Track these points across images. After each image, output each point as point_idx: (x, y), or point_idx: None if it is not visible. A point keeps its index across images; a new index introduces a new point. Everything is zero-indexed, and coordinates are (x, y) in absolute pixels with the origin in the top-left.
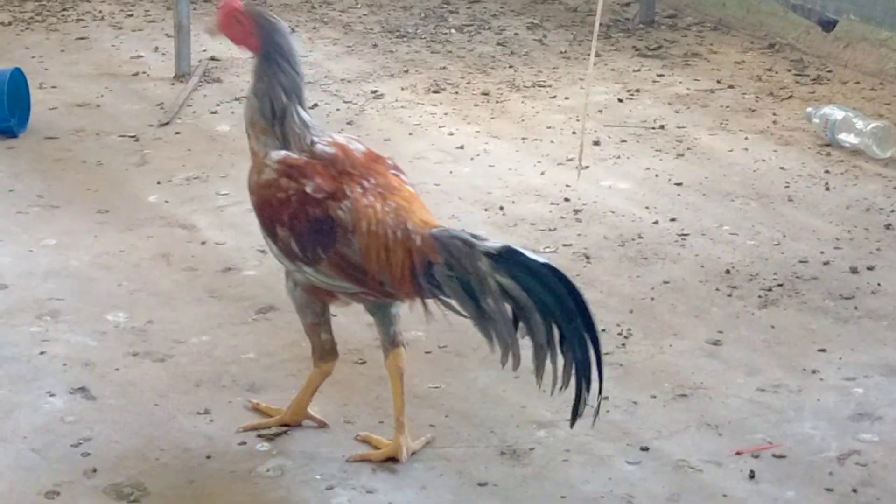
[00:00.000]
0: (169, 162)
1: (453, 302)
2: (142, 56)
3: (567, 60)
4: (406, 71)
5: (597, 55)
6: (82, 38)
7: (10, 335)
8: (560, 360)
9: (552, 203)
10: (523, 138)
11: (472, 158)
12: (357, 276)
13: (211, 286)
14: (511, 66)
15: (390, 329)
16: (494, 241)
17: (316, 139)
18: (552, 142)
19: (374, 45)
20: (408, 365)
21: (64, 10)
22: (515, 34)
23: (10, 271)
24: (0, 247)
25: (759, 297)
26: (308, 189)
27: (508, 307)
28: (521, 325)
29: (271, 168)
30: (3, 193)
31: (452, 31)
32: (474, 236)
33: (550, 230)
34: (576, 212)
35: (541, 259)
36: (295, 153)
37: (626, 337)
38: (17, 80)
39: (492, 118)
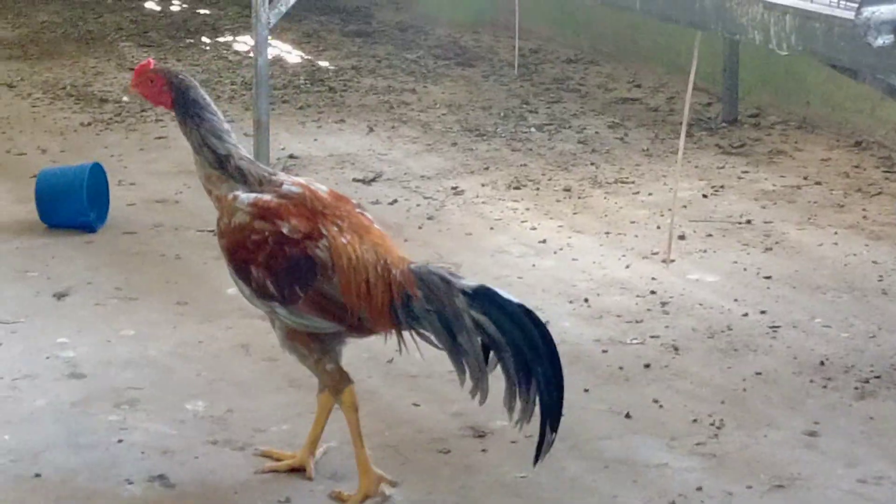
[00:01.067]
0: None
1: (430, 335)
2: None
3: (649, 158)
4: (486, 168)
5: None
6: (161, 138)
7: (88, 423)
8: (527, 397)
9: (638, 296)
10: (607, 233)
11: (555, 252)
12: (336, 313)
13: (291, 375)
14: (592, 164)
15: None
16: (471, 280)
17: (277, 178)
18: (636, 236)
19: (454, 144)
20: (490, 454)
21: (143, 110)
22: (596, 133)
23: (88, 361)
24: (78, 337)
25: (856, 388)
26: (284, 230)
27: (481, 343)
28: (492, 359)
29: (243, 211)
30: (81, 286)
31: (532, 129)
32: (451, 273)
33: (637, 322)
34: (663, 304)
35: (515, 300)
36: (262, 193)
37: (718, 427)
38: (97, 176)
39: (574, 213)
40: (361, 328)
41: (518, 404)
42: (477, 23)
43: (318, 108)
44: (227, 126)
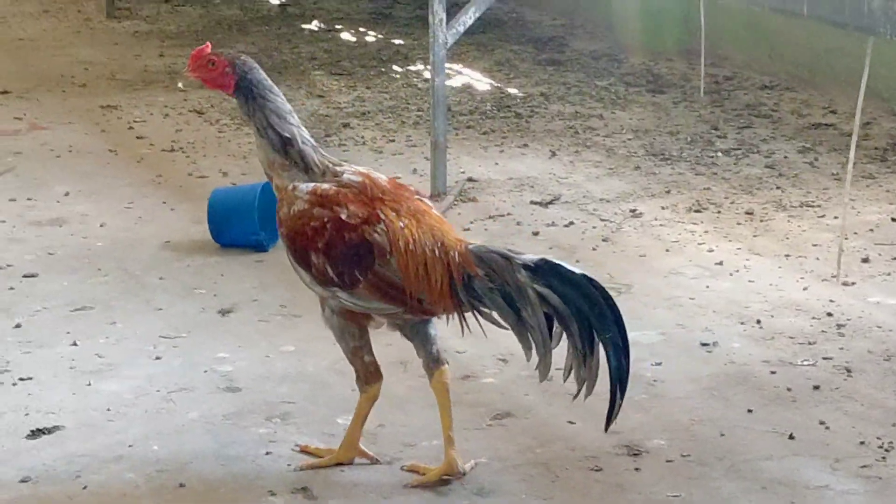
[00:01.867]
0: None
1: (493, 313)
2: (399, 177)
3: (838, 182)
4: (667, 191)
5: (871, 177)
6: (343, 161)
7: (238, 435)
8: (594, 366)
9: (813, 318)
10: (787, 255)
11: (731, 274)
12: (395, 296)
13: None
14: (778, 188)
15: (432, 348)
16: (531, 255)
17: (340, 168)
18: (817, 259)
19: (637, 168)
20: (643, 473)
21: (327, 135)
22: (785, 157)
23: (246, 375)
24: (239, 352)
25: None
26: (343, 216)
27: (545, 317)
28: (556, 333)
29: (302, 199)
30: (247, 303)
31: (719, 154)
32: (511, 250)
33: (810, 343)
34: (839, 326)
35: (577, 270)
36: (322, 181)
37: (886, 450)
38: (269, 195)
39: (755, 236)
40: (422, 309)
41: (583, 373)
42: (672, 51)
43: (502, 134)
44: (290, 107)
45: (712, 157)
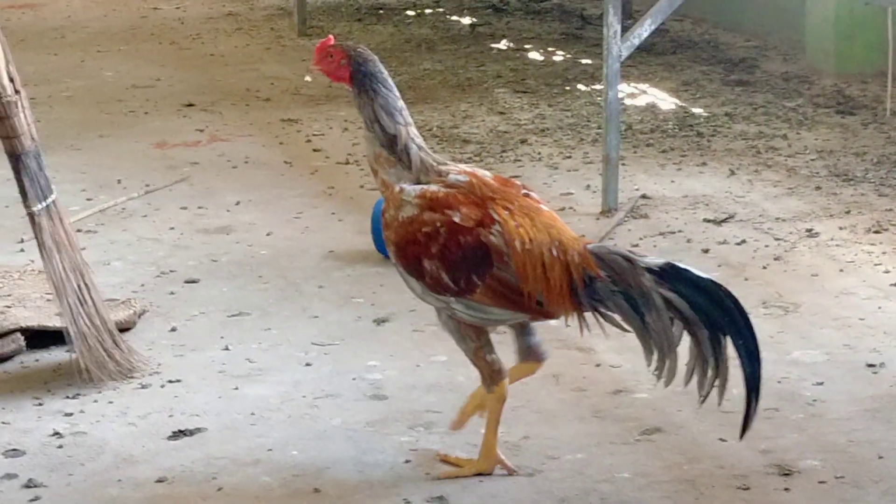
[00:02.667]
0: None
1: (616, 316)
2: (572, 193)
3: None
4: (847, 212)
5: None
6: (515, 176)
7: (380, 443)
8: (723, 373)
9: None
10: None
11: None
12: (514, 299)
13: (597, 406)
14: None
15: (531, 339)
16: (654, 258)
17: (445, 168)
18: None
19: (818, 188)
20: (793, 493)
21: (503, 151)
22: None
23: (394, 383)
24: (389, 361)
25: None
26: (456, 219)
27: (671, 322)
28: (684, 339)
29: (411, 204)
30: (403, 313)
31: None
32: (633, 252)
33: None
34: None
35: (704, 275)
36: (429, 182)
37: None
38: None
39: None
40: (542, 312)
41: (710, 381)
42: (866, 73)
43: (681, 152)
44: (401, 104)
45: None
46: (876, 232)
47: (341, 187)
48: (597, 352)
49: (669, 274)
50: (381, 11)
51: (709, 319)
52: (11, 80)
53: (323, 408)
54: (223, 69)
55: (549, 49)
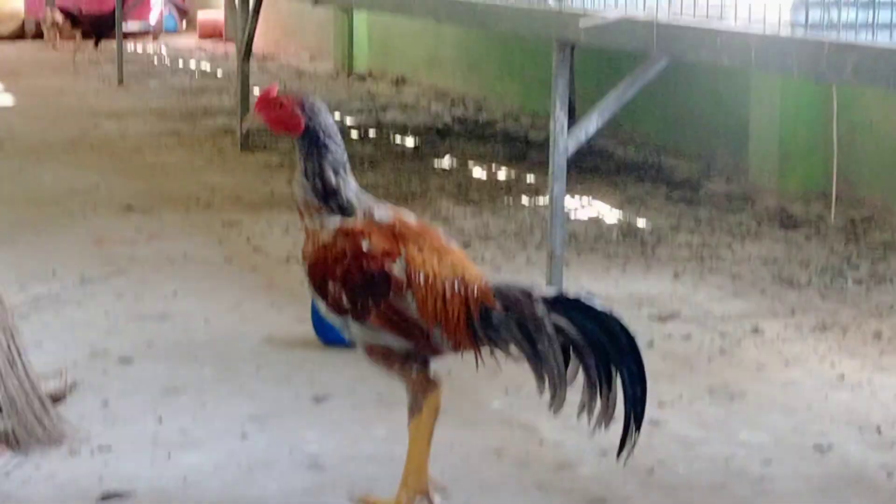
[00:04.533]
0: (521, 376)
1: (510, 346)
2: None
3: None
4: (792, 313)
5: None
6: None
7: None
8: (610, 398)
9: None
10: None
11: (853, 388)
12: (403, 327)
13: (540, 479)
14: None
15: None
16: (549, 288)
17: (373, 206)
18: None
19: (762, 291)
20: None
21: None
22: None
23: (333, 455)
24: (328, 435)
25: None
26: (364, 247)
27: (561, 349)
28: (571, 369)
29: (328, 232)
30: (342, 392)
31: (850, 282)
32: (530, 285)
33: None
34: None
35: (595, 302)
36: (355, 220)
37: None
38: None
39: (881, 354)
40: (432, 346)
41: (598, 406)
42: (809, 193)
43: (625, 258)
44: (345, 158)
45: (843, 285)
46: (821, 330)
47: (281, 282)
48: (540, 431)
49: (562, 302)
50: None
51: (596, 344)
52: None
53: (258, 476)
54: (164, 178)
55: (493, 167)
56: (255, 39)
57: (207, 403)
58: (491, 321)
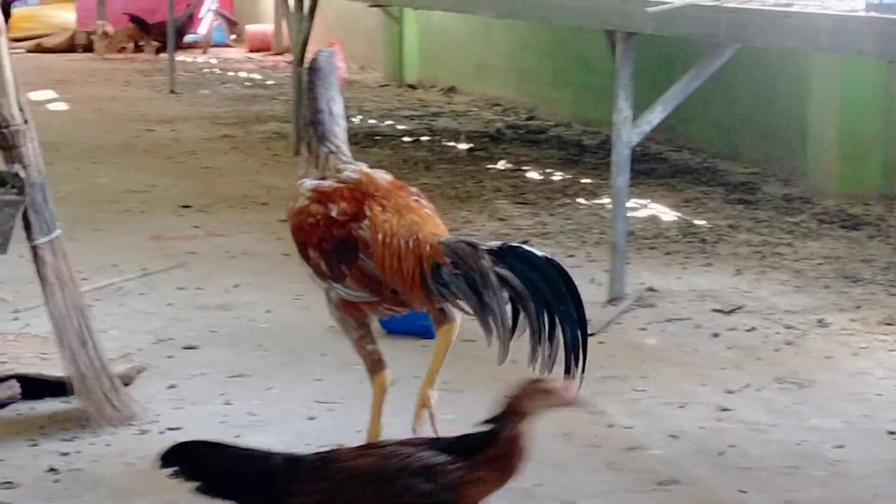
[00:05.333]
0: (587, 363)
1: (459, 300)
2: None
3: None
4: (858, 307)
5: None
6: None
7: None
8: (549, 343)
9: None
10: None
11: None
12: (373, 287)
13: (611, 460)
14: None
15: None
16: (495, 242)
17: (342, 166)
18: None
19: (826, 287)
20: None
21: None
22: None
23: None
24: (395, 417)
25: None
26: (333, 213)
27: (508, 300)
28: (520, 322)
29: (304, 196)
30: (408, 379)
31: None
32: (479, 239)
33: None
34: None
35: (537, 251)
36: (324, 179)
37: None
38: None
39: None
40: (398, 301)
41: (540, 351)
42: (869, 195)
43: (685, 255)
44: (340, 107)
45: None
46: (888, 324)
47: None
48: (608, 414)
49: (506, 253)
50: (378, 137)
51: (535, 290)
52: (21, 109)
53: None
54: (219, 179)
55: (548, 170)
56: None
57: (274, 387)
58: (441, 276)
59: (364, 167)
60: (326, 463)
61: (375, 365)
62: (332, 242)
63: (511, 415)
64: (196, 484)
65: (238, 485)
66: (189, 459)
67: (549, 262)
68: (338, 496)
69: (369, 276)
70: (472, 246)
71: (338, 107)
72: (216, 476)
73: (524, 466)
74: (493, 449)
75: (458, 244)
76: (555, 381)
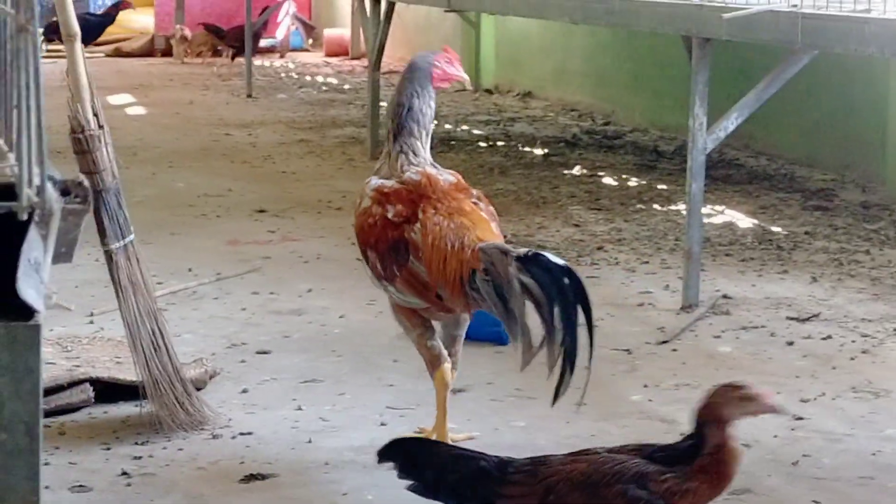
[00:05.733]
0: (660, 372)
1: (490, 306)
2: (651, 292)
3: None
4: None
5: None
6: (592, 277)
7: None
8: (553, 346)
9: None
10: None
11: None
12: (420, 290)
13: None
14: None
15: (451, 349)
16: (523, 248)
17: (408, 166)
18: None
19: None
20: None
21: (579, 256)
22: None
23: (473, 444)
24: (468, 424)
25: None
26: (389, 214)
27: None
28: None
29: (368, 196)
30: (480, 385)
31: None
32: (513, 245)
33: None
34: None
35: (561, 261)
36: (388, 179)
37: None
38: None
39: None
40: (442, 306)
41: (548, 358)
42: None
43: (761, 262)
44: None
45: None
46: None
47: None
48: (680, 423)
49: (530, 260)
50: (453, 142)
51: (550, 297)
52: (96, 114)
53: None
54: (295, 184)
55: (623, 176)
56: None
57: (346, 393)
58: (475, 282)
59: (429, 168)
60: (537, 467)
61: (435, 360)
62: (387, 244)
63: (712, 423)
64: (410, 483)
65: (450, 485)
66: (405, 456)
67: (566, 270)
68: (549, 499)
69: (417, 279)
70: (503, 252)
71: (421, 105)
72: (429, 475)
73: (735, 474)
74: (702, 459)
75: (492, 249)
76: (753, 387)
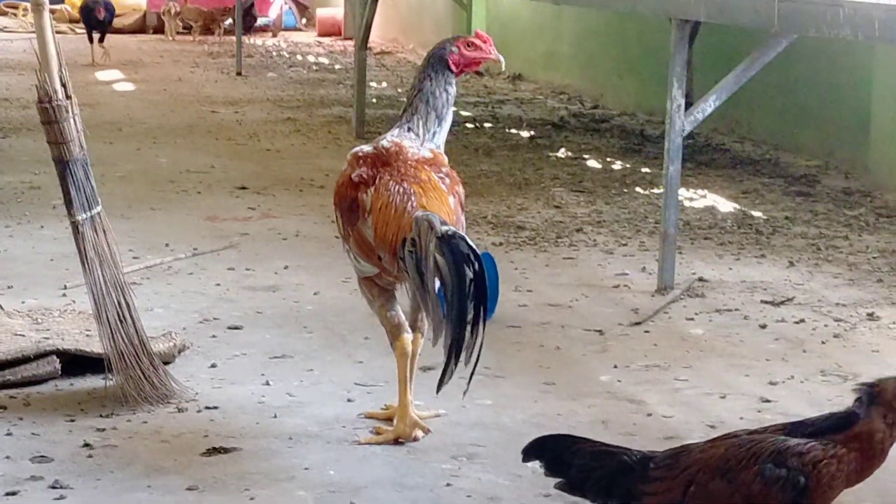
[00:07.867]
0: (631, 353)
1: (411, 276)
2: (626, 274)
3: None
4: None
5: None
6: (569, 258)
7: (420, 468)
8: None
9: None
10: None
11: None
12: (367, 252)
13: (646, 448)
14: None
15: (416, 317)
16: (451, 226)
17: (390, 136)
18: None
19: (879, 281)
20: None
21: (558, 237)
22: None
23: (438, 420)
24: (434, 401)
25: None
26: (352, 175)
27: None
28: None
29: (347, 160)
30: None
31: None
32: (442, 221)
33: None
34: None
35: (473, 245)
36: (365, 145)
37: None
38: (487, 267)
39: None
40: (388, 270)
41: (443, 341)
42: None
43: (739, 245)
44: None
45: None
46: None
47: None
48: (648, 404)
49: (447, 239)
50: None
51: (451, 284)
52: (63, 84)
53: (363, 436)
54: (279, 162)
55: (608, 159)
56: (374, 36)
57: (315, 369)
58: (404, 250)
59: (406, 141)
60: (678, 458)
61: (395, 329)
62: (346, 203)
63: (878, 404)
64: (558, 480)
65: (595, 482)
66: (551, 454)
67: (468, 259)
68: (691, 489)
69: (364, 241)
70: (431, 225)
71: (434, 88)
72: (574, 473)
73: (883, 459)
74: (858, 426)
75: (422, 220)
76: None
